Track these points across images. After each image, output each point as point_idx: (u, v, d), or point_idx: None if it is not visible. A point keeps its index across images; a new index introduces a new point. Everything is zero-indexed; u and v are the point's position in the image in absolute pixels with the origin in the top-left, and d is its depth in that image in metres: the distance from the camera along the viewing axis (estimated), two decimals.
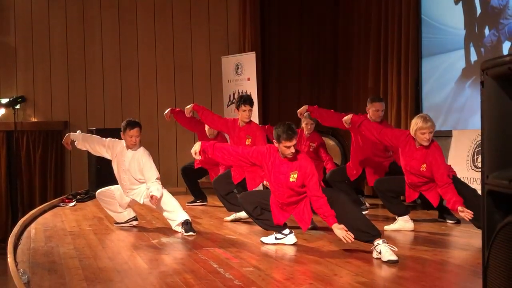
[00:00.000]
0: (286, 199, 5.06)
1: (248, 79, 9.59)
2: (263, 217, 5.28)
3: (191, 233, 5.81)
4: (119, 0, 10.85)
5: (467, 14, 7.23)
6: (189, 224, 5.86)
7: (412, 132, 5.55)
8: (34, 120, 10.77)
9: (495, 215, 2.11)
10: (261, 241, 5.33)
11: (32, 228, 6.49)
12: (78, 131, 6.30)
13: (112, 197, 6.25)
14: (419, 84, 7.98)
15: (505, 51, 6.62)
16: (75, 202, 8.44)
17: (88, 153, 9.88)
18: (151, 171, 5.92)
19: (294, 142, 4.89)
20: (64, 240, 5.70)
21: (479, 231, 5.94)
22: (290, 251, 5.03)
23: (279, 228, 5.26)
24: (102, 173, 9.53)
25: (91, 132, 9.77)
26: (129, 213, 6.37)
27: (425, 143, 5.48)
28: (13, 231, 6.13)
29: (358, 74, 9.42)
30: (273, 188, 5.10)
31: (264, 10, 10.58)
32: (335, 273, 4.20)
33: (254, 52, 9.73)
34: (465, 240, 5.62)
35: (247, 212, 5.46)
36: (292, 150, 4.89)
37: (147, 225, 6.47)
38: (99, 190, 6.39)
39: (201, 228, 6.18)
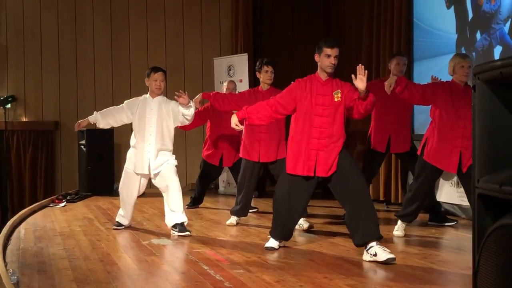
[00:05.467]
0: (320, 133, 4.80)
1: (241, 80, 9.59)
2: (277, 219, 5.12)
3: (187, 233, 5.82)
4: (111, 0, 10.83)
5: (459, 18, 7.26)
6: (183, 224, 5.86)
7: (451, 71, 5.51)
8: (24, 120, 10.72)
9: (485, 219, 2.12)
10: (266, 247, 5.16)
11: (21, 228, 6.46)
12: (94, 113, 6.17)
13: (134, 181, 6.07)
14: None
15: (497, 56, 6.65)
16: (65, 202, 8.40)
17: (79, 153, 9.93)
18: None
19: (335, 52, 4.77)
20: (54, 240, 5.68)
21: (469, 235, 5.98)
22: (281, 254, 5.03)
23: (281, 238, 5.18)
24: (93, 173, 9.52)
25: (82, 132, 9.77)
26: (130, 220, 6.33)
27: (466, 79, 5.42)
28: (3, 231, 6.09)
29: (350, 78, 9.39)
30: (311, 119, 4.81)
31: (256, 12, 10.58)
32: (325, 276, 4.21)
33: (246, 53, 9.73)
34: (455, 244, 5.65)
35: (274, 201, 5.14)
36: (333, 61, 4.77)
37: (138, 226, 6.45)
38: (121, 183, 6.19)
39: (192, 229, 6.16)
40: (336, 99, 4.82)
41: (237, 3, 10.43)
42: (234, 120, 4.94)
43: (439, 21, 7.61)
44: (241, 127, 5.02)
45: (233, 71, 9.77)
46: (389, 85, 5.54)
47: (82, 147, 9.73)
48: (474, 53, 6.96)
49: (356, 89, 4.72)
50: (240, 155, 6.47)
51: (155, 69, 6.10)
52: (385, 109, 6.51)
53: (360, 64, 4.66)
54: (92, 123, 6.19)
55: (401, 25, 8.17)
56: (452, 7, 7.38)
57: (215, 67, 10.19)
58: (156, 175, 5.95)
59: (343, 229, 6.25)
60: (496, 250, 1.98)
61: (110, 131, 9.86)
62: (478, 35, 6.92)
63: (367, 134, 6.92)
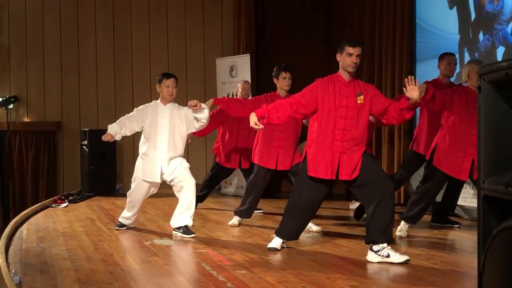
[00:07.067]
0: (343, 135, 4.72)
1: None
2: (290, 220, 5.07)
3: (192, 235, 5.80)
4: (114, 0, 10.83)
5: (462, 19, 7.25)
6: (187, 227, 5.85)
7: (465, 77, 5.46)
8: (26, 120, 10.72)
9: (491, 220, 2.11)
10: (268, 248, 5.14)
11: (24, 228, 6.46)
12: (109, 126, 6.03)
13: (145, 189, 6.01)
14: None
15: (499, 56, 6.65)
16: (67, 203, 8.40)
17: (81, 154, 9.93)
18: None
19: (357, 50, 4.69)
20: (56, 241, 5.68)
21: (472, 236, 5.94)
22: (283, 254, 5.02)
23: (288, 238, 5.18)
24: (95, 174, 9.52)
25: (84, 133, 9.78)
26: (133, 221, 6.33)
27: None
28: (5, 231, 6.09)
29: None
30: (335, 120, 4.72)
31: (258, 12, 10.58)
32: (328, 277, 4.20)
33: (248, 54, 9.73)
34: (458, 245, 5.65)
35: (288, 203, 5.10)
36: (354, 60, 4.69)
37: (140, 226, 6.45)
38: (131, 190, 6.13)
39: (194, 230, 6.15)
40: (359, 101, 4.73)
41: (239, 4, 10.43)
42: (254, 119, 4.75)
43: (442, 21, 7.60)
44: (261, 126, 4.81)
45: (235, 72, 9.77)
46: (420, 92, 5.10)
47: (84, 147, 9.73)
48: (477, 54, 6.96)
49: (380, 93, 4.73)
50: (256, 162, 6.27)
51: (167, 75, 5.97)
52: (437, 114, 6.08)
53: (409, 76, 4.58)
54: (113, 136, 5.99)
55: (403, 26, 8.16)
56: (455, 7, 7.38)
57: (217, 67, 10.19)
58: (171, 180, 5.90)
59: (346, 229, 6.26)
60: (501, 252, 1.97)
61: None
62: (480, 36, 6.92)
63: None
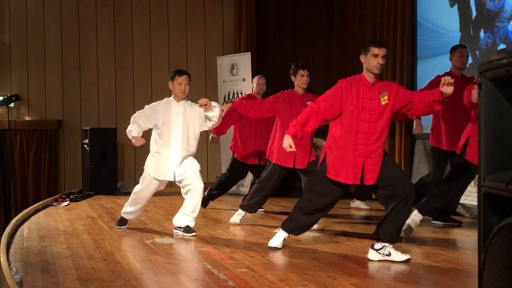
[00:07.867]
0: (367, 139, 4.61)
1: (244, 79, 9.58)
2: (301, 217, 5.00)
3: (194, 233, 5.81)
4: None
5: (463, 16, 7.24)
6: (189, 227, 5.85)
7: None
8: (28, 119, 10.73)
9: (491, 218, 2.11)
10: (269, 247, 5.12)
11: (25, 227, 6.46)
12: (128, 130, 5.89)
13: (153, 186, 5.96)
14: (414, 87, 7.99)
15: None
16: (68, 201, 8.41)
17: (82, 152, 9.94)
18: None
19: (383, 51, 4.58)
20: (57, 239, 5.68)
21: (473, 234, 5.92)
22: (284, 253, 5.02)
23: (293, 233, 5.14)
24: (96, 172, 9.52)
25: (85, 131, 9.78)
26: (137, 217, 6.31)
27: None
28: (6, 230, 6.10)
29: (350, 74, 9.37)
30: (358, 124, 4.62)
31: (259, 10, 10.57)
32: (329, 275, 4.20)
33: (249, 52, 9.72)
34: (460, 243, 5.64)
35: (300, 201, 5.04)
36: (380, 61, 4.57)
37: (141, 225, 6.45)
38: (139, 186, 6.05)
39: (195, 228, 6.15)
40: (383, 102, 4.62)
41: (240, 2, 10.43)
42: (288, 141, 4.64)
43: (443, 19, 7.60)
44: (294, 150, 4.69)
45: (236, 70, 9.77)
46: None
47: (85, 146, 9.73)
48: (477, 52, 6.95)
49: (401, 87, 4.74)
50: (274, 160, 6.15)
51: (180, 72, 5.93)
52: (450, 108, 5.90)
53: (445, 77, 4.45)
54: (139, 137, 5.87)
55: (404, 24, 8.16)
56: (456, 5, 7.37)
57: (218, 66, 10.19)
58: (180, 181, 5.87)
59: (347, 228, 6.26)
60: (502, 249, 1.97)
61: (113, 129, 9.87)
62: (481, 34, 6.91)
63: None
